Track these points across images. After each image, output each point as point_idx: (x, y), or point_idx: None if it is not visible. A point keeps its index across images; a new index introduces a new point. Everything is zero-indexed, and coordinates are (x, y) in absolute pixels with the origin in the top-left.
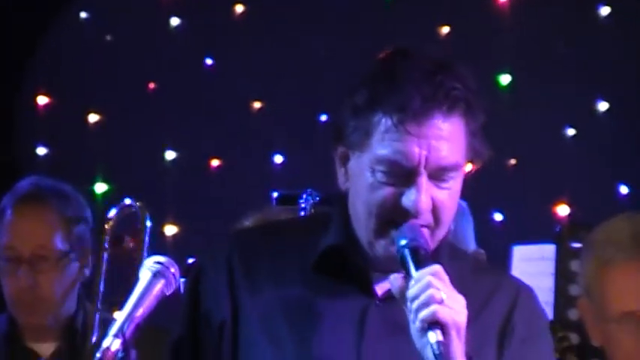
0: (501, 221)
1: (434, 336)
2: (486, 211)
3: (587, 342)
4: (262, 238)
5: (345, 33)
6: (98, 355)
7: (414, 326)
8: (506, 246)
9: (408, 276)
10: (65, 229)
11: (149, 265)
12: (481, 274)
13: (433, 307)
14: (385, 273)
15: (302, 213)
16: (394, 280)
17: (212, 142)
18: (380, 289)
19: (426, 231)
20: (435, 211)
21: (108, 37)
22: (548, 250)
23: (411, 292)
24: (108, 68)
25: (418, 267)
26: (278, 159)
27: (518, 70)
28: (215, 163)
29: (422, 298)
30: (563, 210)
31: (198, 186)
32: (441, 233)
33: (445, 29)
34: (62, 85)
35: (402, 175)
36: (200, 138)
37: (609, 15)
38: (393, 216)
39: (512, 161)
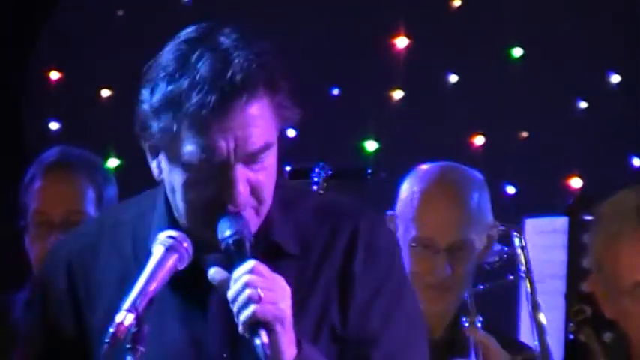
0: (513, 194)
1: (258, 340)
2: (498, 184)
3: (601, 314)
4: (96, 238)
5: (356, 6)
6: (111, 329)
7: (240, 329)
8: (519, 219)
9: (231, 270)
10: (96, 194)
11: (162, 239)
12: (321, 216)
13: (252, 308)
14: (217, 254)
15: (314, 187)
16: (214, 274)
17: None
18: (212, 276)
19: (249, 212)
20: (255, 193)
21: (120, 12)
22: (561, 222)
23: (230, 295)
24: (119, 43)
25: (239, 263)
26: (290, 133)
27: (529, 43)
28: None
29: (240, 299)
30: (575, 183)
31: None
32: (265, 208)
33: (457, 2)
34: (74, 60)
35: (214, 169)
36: None
37: None
38: (213, 209)
39: (524, 134)
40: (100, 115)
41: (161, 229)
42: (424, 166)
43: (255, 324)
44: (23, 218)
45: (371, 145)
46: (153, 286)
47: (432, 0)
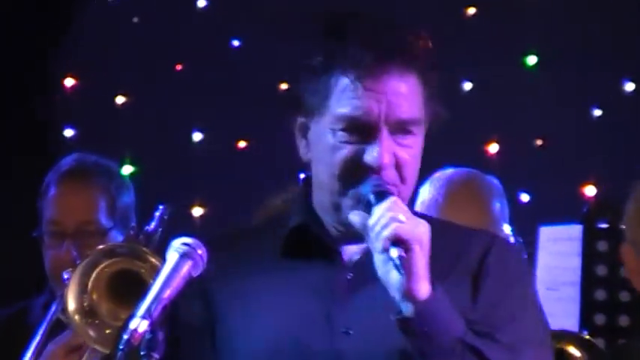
0: (528, 201)
1: (395, 251)
2: (513, 192)
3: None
4: (227, 241)
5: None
6: (125, 336)
7: (378, 256)
8: (534, 226)
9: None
10: (109, 204)
11: (176, 246)
12: (450, 231)
13: (393, 225)
14: (352, 243)
15: None
16: (355, 215)
17: (239, 124)
18: (348, 258)
19: (392, 188)
20: (399, 168)
21: (135, 19)
22: (575, 230)
23: (371, 220)
24: (135, 50)
25: (379, 203)
26: None
27: (544, 50)
28: (242, 144)
29: (382, 220)
30: (590, 190)
31: (226, 167)
32: (406, 192)
33: (471, 10)
34: (90, 67)
35: (363, 131)
36: (227, 119)
37: None
38: (356, 174)
39: (539, 142)
40: (115, 122)
41: (295, 222)
42: (447, 171)
43: (396, 240)
44: (39, 225)
45: None
46: (167, 293)
47: (446, 7)
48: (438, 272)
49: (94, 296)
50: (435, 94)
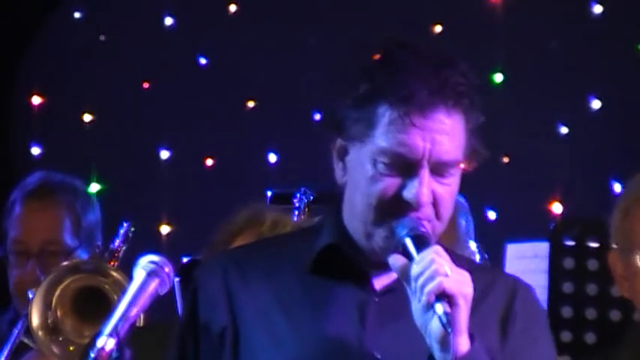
0: (495, 219)
1: (441, 307)
2: (480, 209)
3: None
4: (255, 251)
5: (337, 31)
6: (92, 354)
7: (418, 305)
8: (500, 244)
9: (410, 260)
10: (74, 223)
11: (143, 264)
12: (476, 271)
13: (439, 279)
14: (381, 268)
15: (296, 212)
16: (394, 260)
17: (206, 141)
18: (378, 283)
19: (427, 224)
20: (435, 205)
21: (102, 37)
22: (542, 247)
23: (414, 271)
24: (102, 68)
25: (419, 250)
26: (272, 158)
27: (510, 68)
28: (209, 162)
29: (427, 273)
30: (556, 208)
31: (193, 185)
32: (439, 228)
33: (437, 28)
34: (56, 84)
35: (404, 167)
36: (194, 137)
37: (602, 13)
38: (393, 208)
39: (506, 159)
40: (82, 140)
41: (327, 241)
42: None
43: (441, 295)
44: (3, 244)
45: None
46: (134, 311)
47: (412, 25)
48: None
49: (58, 313)
50: (476, 132)
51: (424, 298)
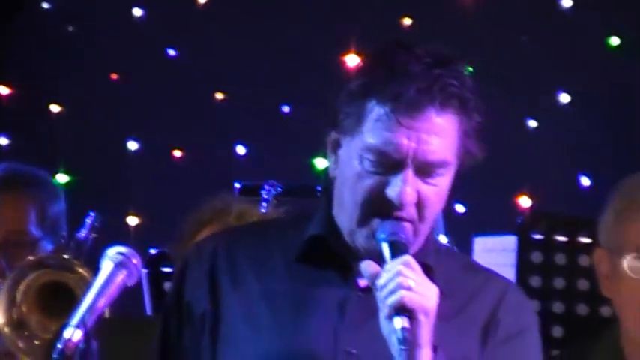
0: (463, 213)
1: (399, 322)
2: (448, 203)
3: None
4: (247, 234)
5: (306, 24)
6: (59, 345)
7: (382, 314)
8: (468, 237)
9: (383, 267)
10: (39, 214)
11: (111, 255)
12: (470, 271)
13: (400, 293)
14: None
15: (264, 204)
16: (366, 267)
17: (175, 133)
18: (362, 279)
19: (408, 226)
20: (420, 205)
21: (70, 28)
22: (510, 241)
23: (381, 281)
24: (70, 59)
25: (394, 257)
26: (240, 150)
27: (479, 62)
28: (177, 153)
29: (390, 285)
30: (524, 202)
31: (161, 177)
32: (424, 229)
33: (407, 21)
34: (24, 75)
35: (390, 165)
36: (163, 129)
37: (571, 7)
38: (377, 206)
39: None
40: (50, 131)
41: (315, 231)
42: None
43: (401, 309)
44: None
45: (321, 163)
46: (102, 302)
47: (382, 18)
48: (448, 310)
49: (24, 308)
50: (471, 133)
51: (385, 310)
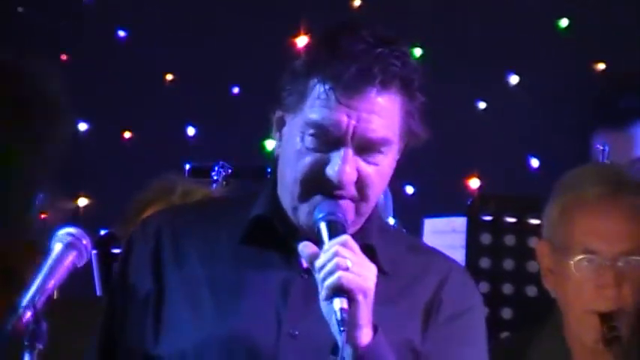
0: (412, 193)
1: (338, 303)
2: (398, 184)
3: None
4: (193, 213)
5: (256, 5)
6: (9, 326)
7: (321, 295)
8: (418, 218)
9: (321, 247)
10: None
11: (61, 236)
12: (414, 252)
13: (338, 274)
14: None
15: (214, 185)
16: (304, 248)
17: (125, 114)
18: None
19: (349, 204)
20: (360, 184)
21: (20, 9)
22: (459, 222)
23: (318, 262)
24: (19, 40)
25: (331, 237)
26: (190, 131)
27: (429, 43)
28: (127, 134)
29: (328, 266)
30: (474, 183)
31: (111, 158)
32: (366, 208)
33: (357, 2)
34: None
35: (329, 143)
36: (113, 110)
37: None
38: (318, 184)
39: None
40: None
41: (258, 211)
42: None
43: (339, 290)
44: None
45: (271, 144)
46: (51, 283)
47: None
48: (391, 291)
49: None
50: (414, 114)
51: (324, 293)
